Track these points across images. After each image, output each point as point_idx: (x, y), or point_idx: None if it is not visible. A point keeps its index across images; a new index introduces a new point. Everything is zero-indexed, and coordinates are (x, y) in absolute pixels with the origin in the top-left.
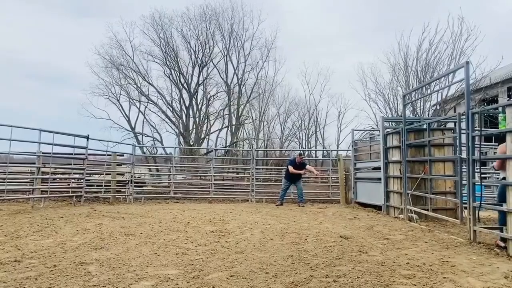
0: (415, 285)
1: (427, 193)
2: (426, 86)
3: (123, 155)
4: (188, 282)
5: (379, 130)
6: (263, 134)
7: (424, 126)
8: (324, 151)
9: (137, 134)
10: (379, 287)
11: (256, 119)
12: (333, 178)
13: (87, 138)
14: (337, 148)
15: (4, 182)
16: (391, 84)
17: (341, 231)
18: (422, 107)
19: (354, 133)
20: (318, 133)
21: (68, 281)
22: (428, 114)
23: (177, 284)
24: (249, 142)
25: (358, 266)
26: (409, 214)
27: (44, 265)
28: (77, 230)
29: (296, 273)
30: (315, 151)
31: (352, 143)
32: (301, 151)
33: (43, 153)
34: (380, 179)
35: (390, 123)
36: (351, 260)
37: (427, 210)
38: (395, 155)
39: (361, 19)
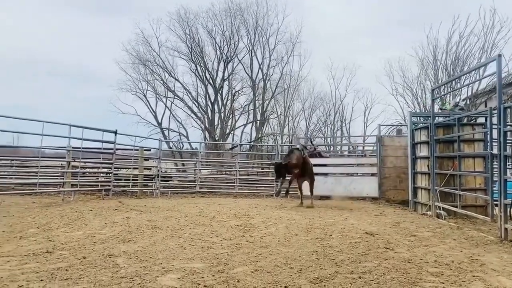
0: (443, 283)
1: (456, 190)
2: (456, 80)
3: (150, 150)
4: (213, 275)
5: (406, 125)
6: (288, 129)
7: (454, 121)
8: (350, 147)
9: (164, 129)
10: (406, 284)
11: (281, 114)
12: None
13: (115, 133)
14: (363, 143)
15: (36, 176)
16: (419, 78)
17: (367, 227)
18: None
19: (380, 128)
20: (343, 128)
21: (97, 273)
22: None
23: (202, 277)
24: (273, 137)
25: (384, 263)
26: (437, 211)
27: (74, 256)
28: (106, 223)
29: (321, 269)
30: (341, 146)
31: (378, 138)
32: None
33: (73, 147)
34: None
35: (418, 118)
36: (377, 256)
37: (456, 207)
38: (423, 151)
39: (387, 13)
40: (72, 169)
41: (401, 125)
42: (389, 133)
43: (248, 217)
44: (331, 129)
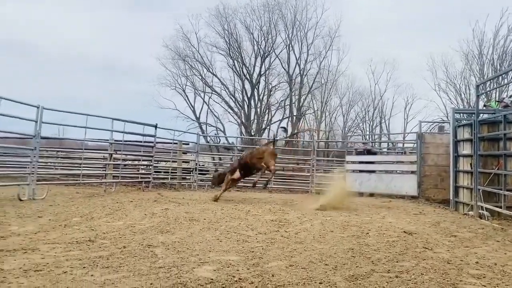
0: (484, 286)
1: (501, 190)
2: (503, 75)
3: (188, 144)
4: (248, 268)
5: (449, 122)
6: (325, 125)
7: (500, 118)
8: (389, 144)
9: (201, 124)
10: (445, 285)
11: (317, 109)
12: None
13: (155, 126)
14: (403, 140)
15: (80, 167)
16: (464, 74)
17: (405, 226)
18: (497, 98)
19: (421, 125)
20: (383, 124)
21: (136, 262)
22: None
23: (237, 270)
24: (310, 133)
25: (422, 263)
26: (479, 211)
27: (115, 245)
28: (145, 214)
29: (356, 267)
30: (380, 143)
31: (419, 135)
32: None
33: (115, 140)
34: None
35: (461, 114)
36: (415, 256)
37: (501, 207)
38: (466, 149)
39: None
40: (114, 161)
41: (443, 122)
42: (430, 130)
43: (283, 212)
44: (369, 125)
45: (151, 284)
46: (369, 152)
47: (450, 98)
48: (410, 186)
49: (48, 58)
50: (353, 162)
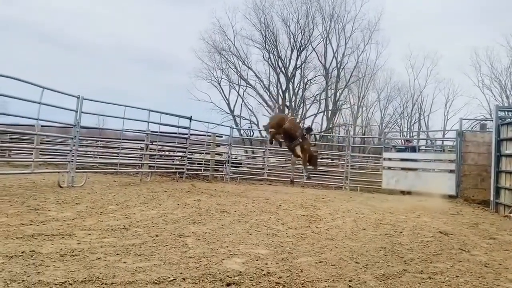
0: None
1: None
2: None
3: (221, 136)
4: (277, 263)
5: (491, 120)
6: (361, 120)
7: None
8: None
9: (236, 117)
10: None
11: (354, 104)
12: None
13: (190, 119)
14: (443, 138)
15: (118, 157)
16: (510, 69)
17: (441, 226)
18: None
19: (462, 122)
20: (421, 121)
21: (168, 251)
22: None
23: (266, 264)
24: (345, 128)
25: (457, 265)
26: None
27: (148, 234)
28: (178, 204)
29: (388, 266)
30: (418, 139)
31: (459, 133)
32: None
33: (151, 131)
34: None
35: (506, 112)
36: (450, 257)
37: None
38: (509, 148)
39: None
40: (150, 151)
41: (486, 120)
42: (472, 128)
43: (314, 208)
44: (408, 121)
45: (181, 273)
46: (412, 150)
47: (494, 95)
48: (449, 185)
49: (90, 50)
50: (391, 159)
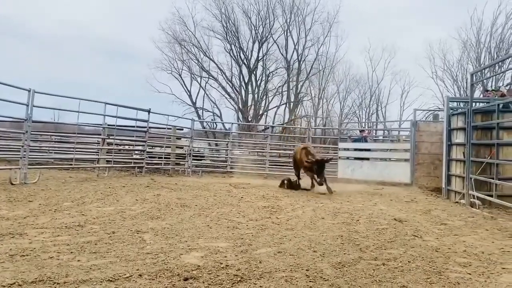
0: (470, 274)
1: (493, 179)
2: (500, 63)
3: (182, 129)
4: (236, 255)
5: (443, 110)
6: (322, 112)
7: (494, 108)
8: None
9: (198, 109)
10: (431, 273)
11: (315, 96)
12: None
13: (149, 112)
14: (398, 128)
15: (73, 151)
16: (461, 62)
17: (396, 214)
18: (493, 87)
19: (416, 113)
20: (379, 112)
21: (124, 248)
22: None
23: (225, 256)
24: (307, 120)
25: (410, 251)
26: (471, 200)
27: (104, 231)
28: (137, 200)
29: (344, 254)
30: (375, 130)
31: (413, 123)
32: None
33: (108, 125)
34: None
35: (457, 103)
36: (403, 244)
37: (492, 196)
38: (459, 137)
39: None
40: (107, 146)
41: (438, 110)
42: (425, 118)
43: (276, 199)
44: (366, 112)
45: (137, 269)
46: (366, 140)
47: (446, 86)
48: (404, 173)
49: (42, 40)
50: (346, 149)
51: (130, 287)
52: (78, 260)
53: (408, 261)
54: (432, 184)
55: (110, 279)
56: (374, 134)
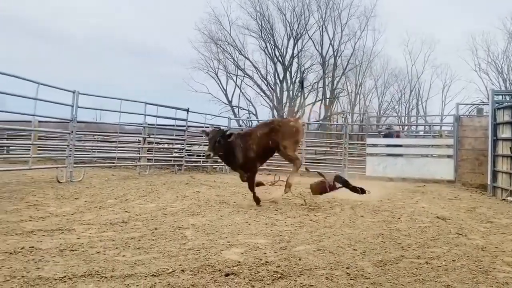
0: None
1: None
2: None
3: (219, 128)
4: (275, 252)
5: (488, 104)
6: (359, 108)
7: None
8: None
9: (234, 107)
10: (477, 273)
11: (351, 92)
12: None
13: (187, 111)
14: (440, 123)
15: (115, 150)
16: (506, 53)
17: (439, 212)
18: None
19: (459, 107)
20: (419, 107)
21: (167, 244)
22: None
23: (265, 253)
24: (343, 116)
25: (454, 249)
26: None
27: (146, 227)
28: (177, 197)
29: (385, 252)
30: (416, 125)
31: (456, 118)
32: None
33: (148, 124)
34: None
35: (503, 96)
36: (447, 242)
37: None
38: (505, 132)
39: None
40: (148, 145)
41: (483, 104)
42: (469, 113)
43: (313, 196)
44: (405, 107)
45: (180, 265)
46: (398, 136)
47: (491, 79)
48: (446, 170)
49: (83, 44)
50: (375, 145)
51: (174, 282)
52: (123, 256)
53: (453, 260)
54: (477, 181)
55: (154, 274)
56: (411, 129)
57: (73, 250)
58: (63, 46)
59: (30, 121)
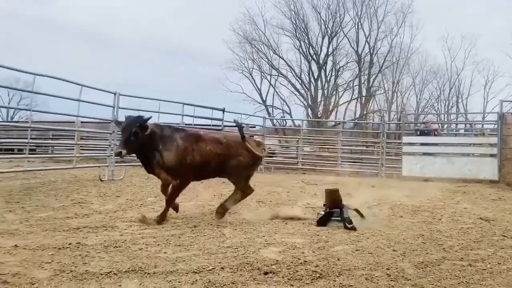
0: None
1: None
2: None
3: (254, 127)
4: (313, 252)
5: None
6: (396, 106)
7: None
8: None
9: (268, 107)
10: None
11: (388, 89)
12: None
13: (223, 110)
14: (482, 121)
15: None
16: None
17: (482, 213)
18: None
19: (503, 104)
20: (459, 104)
21: (206, 241)
22: None
23: (303, 252)
24: (380, 114)
25: (500, 252)
26: None
27: (186, 225)
28: (214, 195)
29: (426, 253)
30: (456, 123)
31: (500, 116)
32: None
33: (185, 124)
34: None
35: None
36: (491, 244)
37: None
38: None
39: None
40: None
41: None
42: None
43: (349, 196)
44: (445, 105)
45: (219, 262)
46: (436, 134)
47: None
48: (490, 170)
49: (119, 45)
50: (412, 144)
51: (214, 279)
52: (165, 252)
53: (498, 263)
54: None
55: (195, 271)
56: (451, 128)
57: (117, 247)
58: (104, 49)
59: (74, 122)
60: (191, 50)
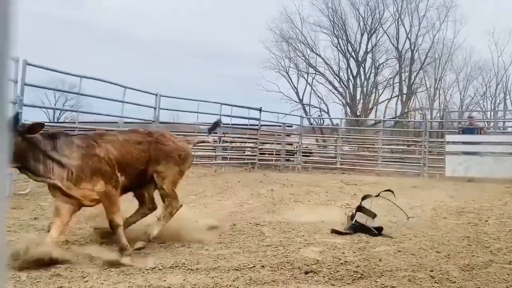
0: None
1: None
2: None
3: (291, 126)
4: (354, 252)
5: None
6: (439, 104)
7: None
8: None
9: (305, 105)
10: None
11: (430, 87)
12: None
13: (260, 110)
14: None
15: (193, 149)
16: None
17: None
18: None
19: None
20: (507, 101)
21: (246, 239)
22: None
23: (343, 252)
24: (421, 112)
25: None
26: None
27: (225, 223)
28: (252, 194)
29: (472, 256)
30: (504, 121)
31: None
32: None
33: (223, 124)
34: None
35: None
36: None
37: None
38: None
39: None
40: (223, 143)
41: None
42: None
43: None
44: (491, 102)
45: (260, 261)
46: (481, 132)
47: None
48: None
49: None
50: (455, 143)
51: (255, 277)
52: (206, 249)
53: None
54: None
55: (236, 268)
56: (498, 126)
57: (160, 243)
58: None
59: (117, 122)
60: (228, 50)
